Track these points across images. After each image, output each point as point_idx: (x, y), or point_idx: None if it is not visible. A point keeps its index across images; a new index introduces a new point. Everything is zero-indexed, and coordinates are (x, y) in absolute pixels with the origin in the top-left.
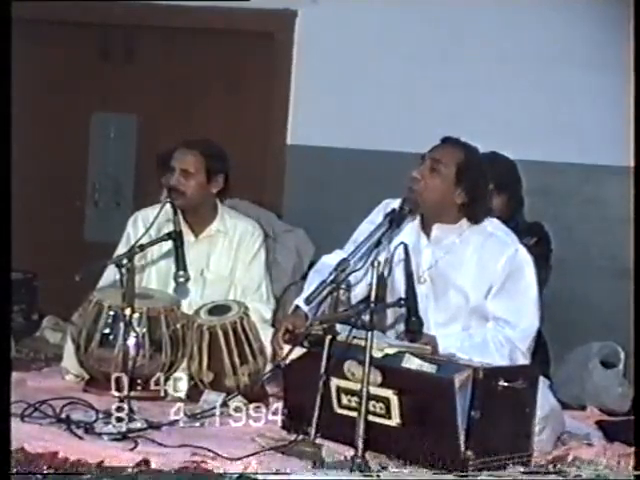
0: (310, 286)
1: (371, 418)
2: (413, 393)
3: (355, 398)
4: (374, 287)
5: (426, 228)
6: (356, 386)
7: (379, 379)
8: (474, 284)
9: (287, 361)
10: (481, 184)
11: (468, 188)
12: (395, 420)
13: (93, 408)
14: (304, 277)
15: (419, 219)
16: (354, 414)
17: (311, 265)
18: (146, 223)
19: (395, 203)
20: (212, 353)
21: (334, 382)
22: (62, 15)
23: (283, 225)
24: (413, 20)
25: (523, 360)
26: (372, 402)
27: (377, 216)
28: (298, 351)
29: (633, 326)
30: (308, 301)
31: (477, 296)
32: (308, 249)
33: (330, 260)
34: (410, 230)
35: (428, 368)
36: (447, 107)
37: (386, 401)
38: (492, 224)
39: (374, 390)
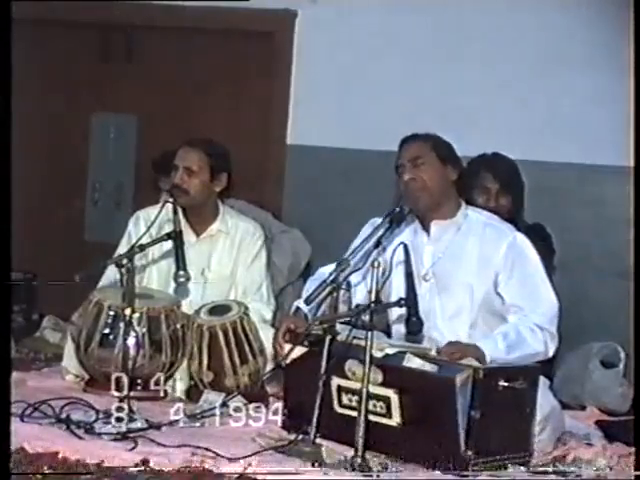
0: (307, 293)
1: (371, 417)
2: (414, 392)
3: (356, 397)
4: (374, 287)
5: (425, 226)
6: (357, 385)
7: (380, 378)
8: (478, 276)
9: (287, 361)
10: (455, 153)
11: (453, 162)
12: (396, 419)
13: (93, 408)
14: (301, 277)
15: (417, 218)
16: (354, 413)
17: (308, 265)
18: (147, 222)
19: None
20: (212, 353)
21: (335, 381)
22: (62, 15)
23: (279, 225)
24: (413, 20)
25: (553, 344)
26: (373, 401)
27: (366, 233)
28: (298, 351)
29: (633, 326)
30: (308, 301)
31: (483, 288)
32: (305, 249)
33: (327, 271)
34: (409, 230)
35: (429, 368)
36: (447, 107)
37: (387, 400)
38: (486, 215)
39: (375, 389)
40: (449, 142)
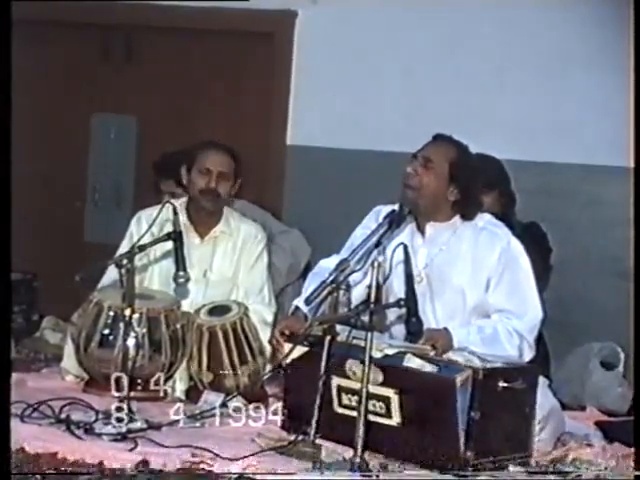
0: (308, 289)
1: (371, 417)
2: (414, 393)
3: (356, 397)
4: (374, 288)
5: (420, 227)
6: (357, 385)
7: (380, 378)
8: (471, 281)
9: (287, 360)
10: (473, 181)
11: (461, 185)
12: (395, 419)
13: (93, 408)
14: (300, 278)
15: (414, 219)
16: (354, 413)
17: (307, 266)
18: (149, 223)
19: (386, 209)
20: (212, 353)
21: (335, 381)
22: (62, 15)
23: (279, 226)
24: (413, 20)
25: (530, 353)
26: (372, 401)
27: (370, 222)
28: (298, 351)
29: (633, 327)
30: (308, 301)
31: (476, 293)
32: (304, 250)
33: (328, 264)
34: (407, 231)
35: (429, 368)
36: (447, 107)
37: (387, 400)
38: (483, 219)
39: (375, 389)
40: (476, 166)
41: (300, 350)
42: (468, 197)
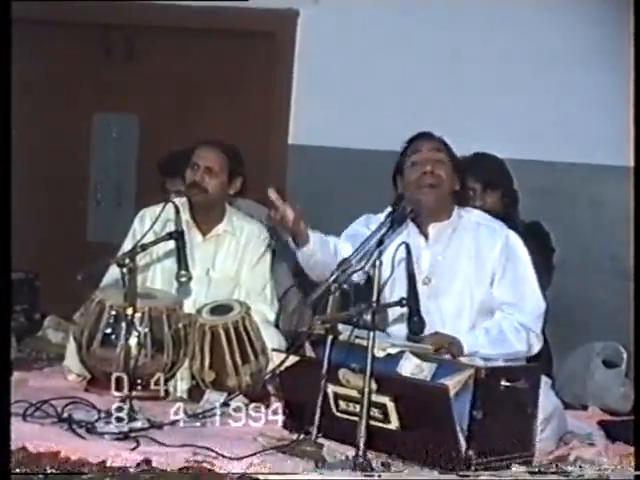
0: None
1: (370, 422)
2: (409, 399)
3: (353, 403)
4: (375, 287)
5: (422, 229)
6: (352, 392)
7: (374, 386)
8: (476, 276)
9: (282, 368)
10: (464, 167)
11: (459, 173)
12: (394, 424)
13: (95, 408)
14: (306, 278)
15: (412, 221)
16: (353, 418)
17: None
18: (153, 221)
19: (375, 217)
20: (214, 353)
21: (331, 388)
22: (62, 15)
23: None
24: (414, 20)
25: (538, 343)
26: (370, 407)
27: (358, 228)
28: (292, 359)
29: (634, 326)
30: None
31: (482, 288)
32: None
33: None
34: (406, 233)
35: (427, 371)
36: (447, 107)
37: (383, 407)
38: (475, 215)
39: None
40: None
41: (294, 358)
42: (464, 184)
